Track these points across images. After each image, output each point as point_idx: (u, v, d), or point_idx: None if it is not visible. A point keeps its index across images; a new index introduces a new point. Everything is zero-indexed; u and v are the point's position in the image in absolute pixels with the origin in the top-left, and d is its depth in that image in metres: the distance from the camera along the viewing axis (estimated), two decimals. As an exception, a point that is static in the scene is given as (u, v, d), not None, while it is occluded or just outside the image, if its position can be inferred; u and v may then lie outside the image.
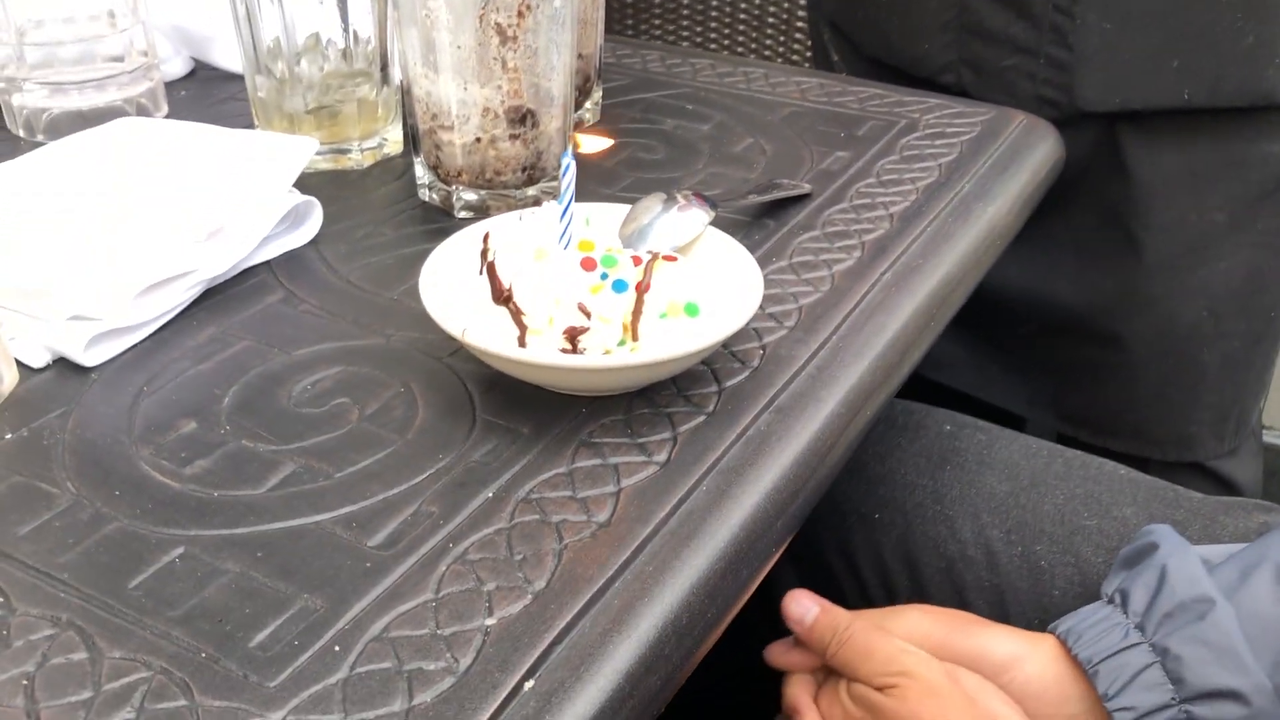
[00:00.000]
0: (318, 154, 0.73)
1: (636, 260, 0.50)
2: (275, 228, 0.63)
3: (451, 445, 0.49)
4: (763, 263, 0.61)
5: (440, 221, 0.67)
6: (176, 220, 0.59)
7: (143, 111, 0.78)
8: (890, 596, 0.68)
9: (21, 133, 0.77)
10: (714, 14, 1.58)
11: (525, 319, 0.49)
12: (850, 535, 0.70)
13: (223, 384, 0.53)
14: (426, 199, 0.69)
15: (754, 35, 1.58)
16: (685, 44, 1.60)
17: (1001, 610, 0.64)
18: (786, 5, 1.53)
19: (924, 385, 0.89)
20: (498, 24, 0.61)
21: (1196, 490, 0.67)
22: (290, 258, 0.63)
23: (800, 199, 0.69)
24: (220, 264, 0.59)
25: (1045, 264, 0.89)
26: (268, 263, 0.63)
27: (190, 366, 0.54)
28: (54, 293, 0.55)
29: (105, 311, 0.54)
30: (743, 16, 1.57)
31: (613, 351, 0.49)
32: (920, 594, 0.67)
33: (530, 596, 0.41)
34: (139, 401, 0.52)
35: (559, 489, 0.46)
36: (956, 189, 0.70)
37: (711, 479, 0.47)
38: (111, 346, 0.55)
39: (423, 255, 0.54)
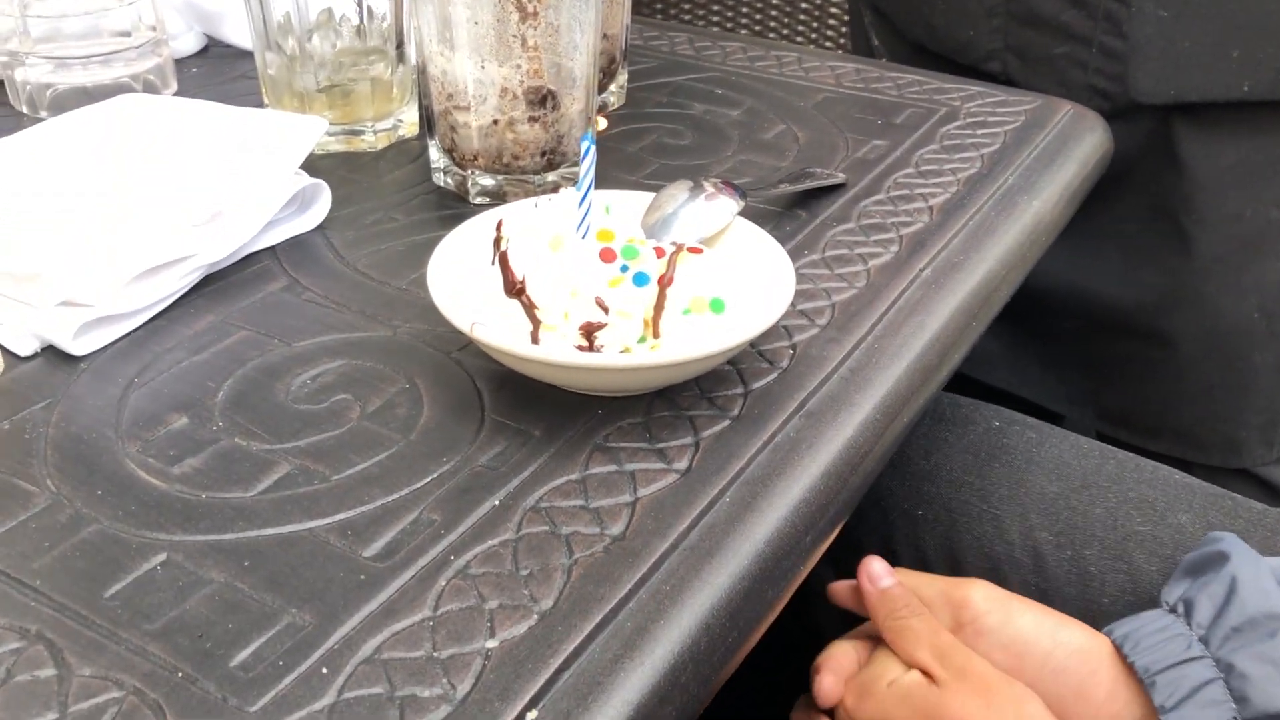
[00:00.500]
0: (329, 135, 0.70)
1: (659, 252, 0.46)
2: (280, 211, 0.60)
3: (457, 447, 0.45)
4: (794, 256, 0.58)
5: (455, 207, 0.64)
6: (175, 202, 0.56)
7: (150, 88, 0.75)
8: None
9: (25, 109, 0.74)
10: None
11: (539, 313, 0.46)
12: (893, 532, 0.68)
13: (218, 377, 0.50)
14: (441, 184, 0.66)
15: (785, 20, 1.54)
16: (715, 29, 1.56)
17: None
18: (821, -10, 1.49)
19: (957, 379, 0.86)
20: (517, -1, 0.58)
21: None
22: (296, 243, 0.60)
23: (834, 189, 0.65)
24: (220, 249, 0.56)
25: (1089, 258, 0.86)
26: (272, 248, 0.60)
27: (185, 357, 0.51)
28: (44, 277, 0.52)
29: (96, 297, 0.51)
30: (775, 1, 1.53)
31: (632, 349, 0.46)
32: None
33: (536, 616, 0.38)
34: (128, 394, 0.49)
35: (570, 497, 0.43)
36: (1000, 181, 0.66)
37: (735, 489, 0.43)
38: (102, 335, 0.52)
39: (435, 243, 0.51)
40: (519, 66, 0.60)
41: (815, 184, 0.64)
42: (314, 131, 0.62)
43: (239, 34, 0.84)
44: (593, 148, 0.47)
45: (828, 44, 1.53)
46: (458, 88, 0.61)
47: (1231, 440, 0.88)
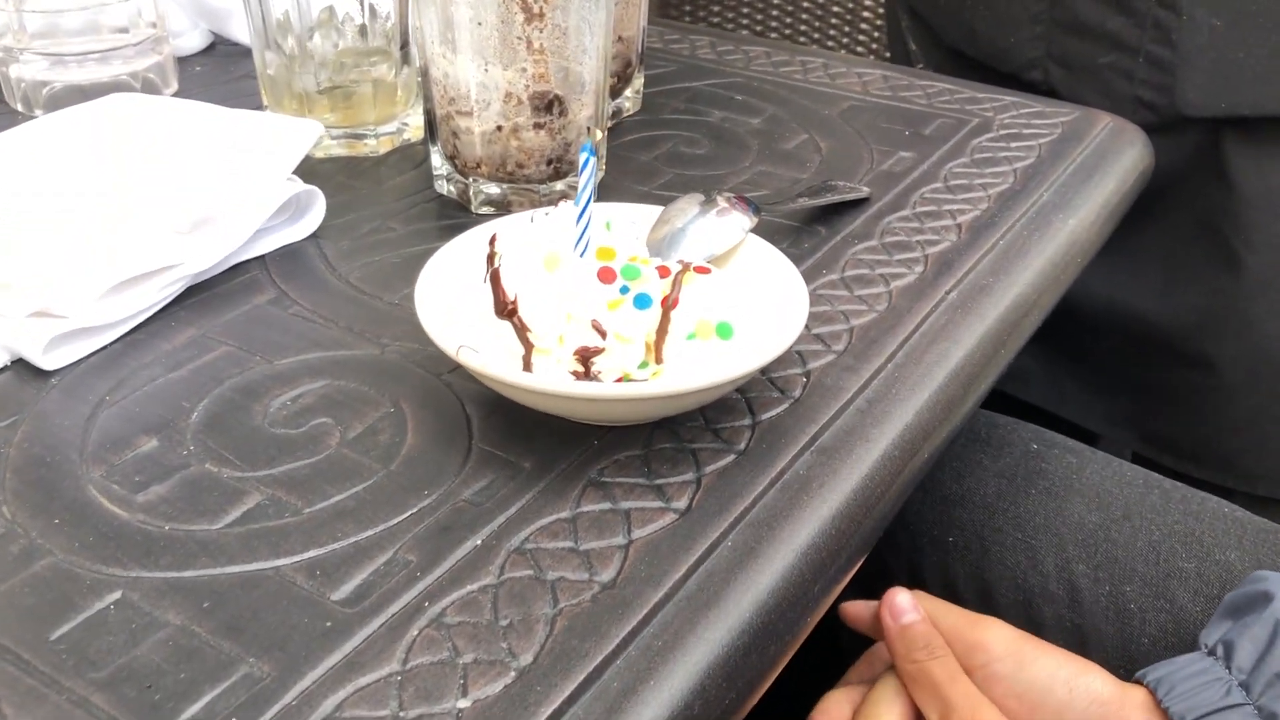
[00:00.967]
0: (331, 138, 0.67)
1: (664, 271, 0.43)
2: (272, 219, 0.57)
3: (441, 479, 0.42)
4: (811, 275, 0.54)
5: (456, 217, 0.61)
6: (160, 208, 0.53)
7: (149, 87, 0.73)
8: None
9: (19, 107, 0.72)
10: (775, 2, 1.51)
11: (531, 336, 0.42)
12: (921, 559, 0.64)
13: (193, 396, 0.47)
14: (443, 191, 0.63)
15: (817, 25, 1.50)
16: (744, 33, 1.52)
17: (1082, 655, 0.58)
18: (853, -7, 1.45)
19: (991, 396, 0.83)
20: (522, -2, 0.54)
21: None
22: (287, 253, 0.57)
23: (857, 204, 0.61)
24: (205, 259, 0.53)
25: (1130, 276, 0.82)
26: (262, 257, 0.57)
27: (161, 374, 0.48)
28: (16, 286, 0.49)
29: (70, 308, 0.49)
30: (805, 4, 1.49)
31: (631, 377, 0.42)
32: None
33: (514, 674, 0.35)
34: (98, 413, 0.46)
35: (559, 538, 0.40)
36: (1034, 198, 0.62)
37: (738, 533, 0.40)
38: (76, 349, 0.49)
39: (431, 255, 0.48)
40: (524, 70, 0.56)
41: (837, 198, 0.61)
42: (309, 136, 0.59)
43: (245, 32, 0.81)
44: (592, 159, 0.43)
45: (859, 49, 1.49)
46: (460, 92, 0.58)
47: (1279, 471, 0.83)
